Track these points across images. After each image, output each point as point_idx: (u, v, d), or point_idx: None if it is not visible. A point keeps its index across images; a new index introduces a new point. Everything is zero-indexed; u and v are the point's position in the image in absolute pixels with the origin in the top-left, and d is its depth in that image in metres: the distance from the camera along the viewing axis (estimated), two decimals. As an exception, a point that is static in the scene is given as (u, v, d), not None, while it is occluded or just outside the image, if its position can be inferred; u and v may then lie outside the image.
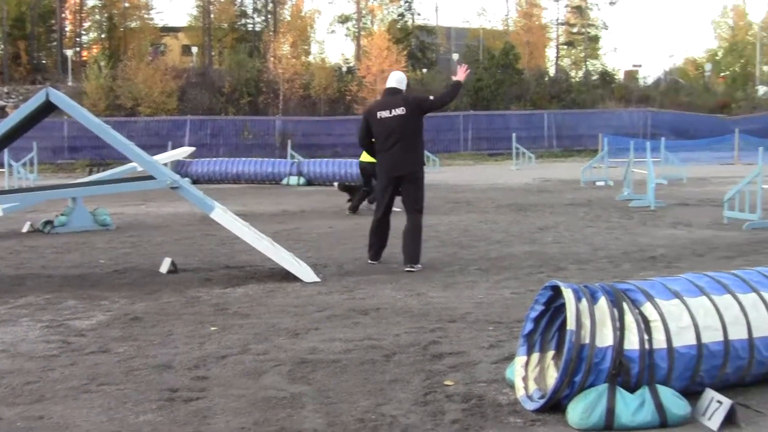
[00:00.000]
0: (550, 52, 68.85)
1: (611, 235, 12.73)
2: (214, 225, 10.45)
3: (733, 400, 4.55)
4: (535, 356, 5.06)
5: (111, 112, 43.97)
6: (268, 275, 9.48)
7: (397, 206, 10.33)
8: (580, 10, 66.19)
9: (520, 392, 4.89)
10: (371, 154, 10.47)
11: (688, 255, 10.70)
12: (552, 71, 65.10)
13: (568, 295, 4.65)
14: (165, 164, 14.45)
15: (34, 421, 4.71)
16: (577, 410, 4.48)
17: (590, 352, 4.50)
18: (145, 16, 60.46)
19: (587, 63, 66.82)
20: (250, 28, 63.30)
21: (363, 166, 16.50)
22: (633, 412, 4.46)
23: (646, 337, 4.58)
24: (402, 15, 64.10)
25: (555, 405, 4.63)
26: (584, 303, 4.63)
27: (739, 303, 4.94)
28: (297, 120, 46.63)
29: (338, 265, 10.21)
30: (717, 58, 70.60)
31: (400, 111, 9.85)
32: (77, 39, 60.13)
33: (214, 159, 29.91)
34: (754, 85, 63.43)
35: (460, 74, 10.19)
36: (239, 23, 62.85)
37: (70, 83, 49.38)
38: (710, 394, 4.60)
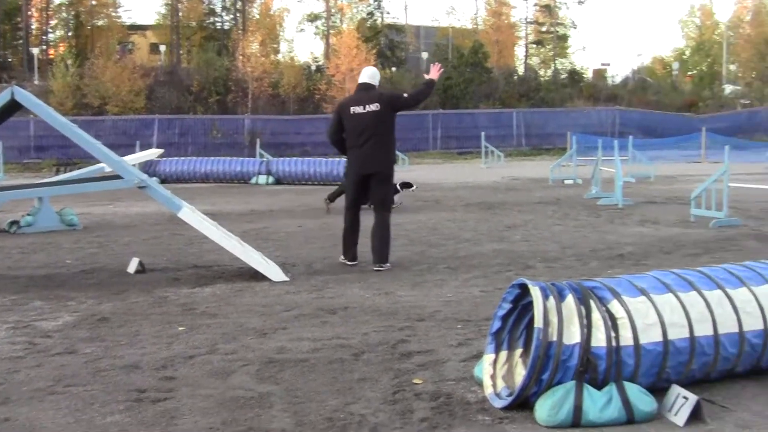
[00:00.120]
0: (519, 51, 69.25)
1: (579, 233, 12.79)
2: (182, 224, 10.40)
3: (699, 395, 4.59)
4: (503, 354, 5.07)
5: (78, 111, 43.65)
6: (236, 275, 9.45)
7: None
8: (548, 9, 66.52)
9: (489, 390, 4.90)
10: (341, 150, 10.22)
11: (655, 252, 10.77)
12: (521, 70, 65.44)
13: (535, 293, 4.66)
14: (134, 165, 14.35)
15: (-1, 423, 4.67)
16: (544, 407, 4.49)
17: (557, 350, 4.52)
18: (113, 14, 60.16)
19: (556, 62, 67.17)
20: (218, 27, 63.12)
21: None
22: (600, 408, 4.48)
23: (613, 334, 4.60)
24: (371, 14, 64.17)
25: (523, 402, 4.64)
26: (551, 301, 4.64)
27: (705, 300, 4.98)
28: (266, 119, 46.53)
29: (307, 264, 10.18)
30: (684, 57, 71.26)
31: (374, 107, 9.71)
32: (44, 37, 59.74)
33: (183, 158, 29.74)
34: (720, 83, 64.03)
35: (434, 72, 10.06)
36: (208, 21, 62.64)
37: (36, 82, 49.03)
38: (676, 390, 4.63)
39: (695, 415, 4.49)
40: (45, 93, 41.60)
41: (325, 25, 64.00)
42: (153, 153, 26.12)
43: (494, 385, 4.92)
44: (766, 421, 4.55)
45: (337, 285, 8.80)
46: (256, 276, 9.11)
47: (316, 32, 66.28)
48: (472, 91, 52.42)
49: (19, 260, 10.90)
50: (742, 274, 5.34)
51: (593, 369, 4.55)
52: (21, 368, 5.73)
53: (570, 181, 24.20)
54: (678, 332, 4.78)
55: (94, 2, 59.24)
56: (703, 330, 4.87)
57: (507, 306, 5.07)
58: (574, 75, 63.40)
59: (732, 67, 68.03)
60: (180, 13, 60.55)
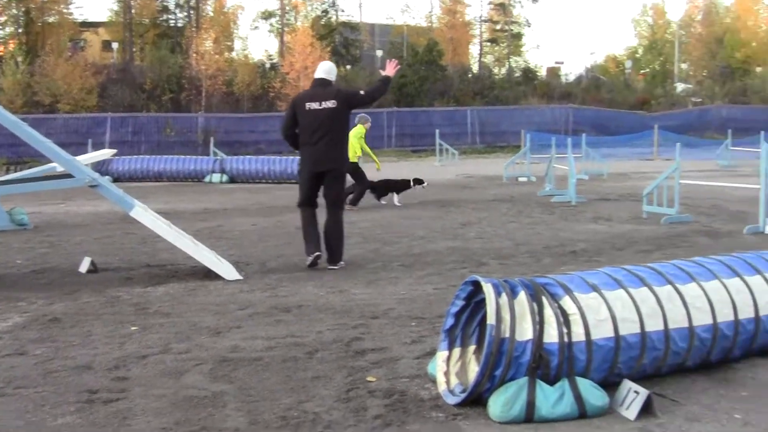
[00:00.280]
0: (474, 49, 69.52)
1: (533, 231, 12.87)
2: (135, 224, 10.30)
3: (650, 390, 4.64)
4: (457, 351, 5.09)
5: (28, 109, 43.10)
6: (189, 274, 9.39)
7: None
8: (503, 8, 66.86)
9: (442, 387, 4.92)
10: (294, 145, 9.99)
11: (607, 249, 10.87)
12: (475, 68, 65.69)
13: (487, 290, 4.68)
14: (86, 165, 14.20)
15: (-53, 425, 4.60)
16: (497, 403, 4.51)
17: (510, 346, 4.54)
18: (64, 10, 59.23)
19: (510, 60, 67.52)
20: (172, 24, 62.57)
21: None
22: (553, 404, 4.51)
23: (565, 330, 4.64)
24: (326, 11, 64.09)
25: (476, 399, 4.65)
26: (504, 298, 4.66)
27: (656, 295, 5.03)
28: (220, 117, 46.31)
29: (261, 263, 10.14)
30: (637, 55, 71.98)
31: (330, 104, 9.57)
32: (-8, 34, 58.82)
33: (136, 156, 29.51)
34: (672, 82, 64.80)
35: (389, 69, 9.93)
36: (161, 19, 62.07)
37: (-15, 79, 48.35)
38: (628, 384, 4.68)
39: (646, 409, 4.54)
40: (-6, 91, 41.09)
41: (280, 22, 63.75)
42: (106, 153, 25.86)
43: (448, 382, 4.93)
44: (715, 414, 4.62)
45: (291, 283, 8.78)
46: (209, 275, 9.06)
47: (270, 30, 66.01)
48: (427, 89, 52.57)
49: (-31, 260, 10.75)
50: (692, 270, 5.41)
51: (546, 365, 4.58)
52: (-30, 370, 5.65)
53: (524, 179, 24.35)
54: (629, 327, 4.82)
55: (44, -2, 58.54)
56: (654, 325, 4.92)
57: (460, 303, 5.08)
58: (529, 73, 63.82)
59: (683, 66, 68.84)
60: (133, 10, 59.97)
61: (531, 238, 12.05)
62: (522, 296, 4.71)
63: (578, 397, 4.55)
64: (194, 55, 50.82)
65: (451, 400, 4.77)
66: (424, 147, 44.80)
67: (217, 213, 16.51)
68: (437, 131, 38.39)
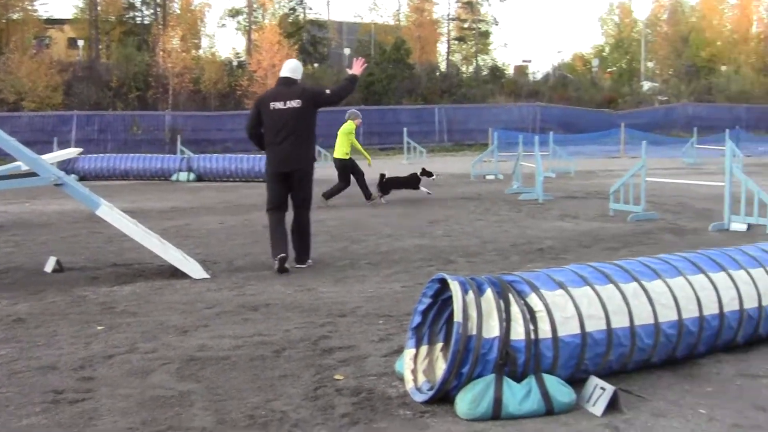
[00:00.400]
0: (442, 47, 69.76)
1: (500, 228, 12.91)
2: (101, 223, 10.23)
3: (616, 386, 4.67)
4: (424, 349, 5.09)
5: (-8, 108, 42.78)
6: (156, 272, 9.33)
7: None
8: (470, 6, 67.10)
9: (410, 384, 4.92)
10: (259, 145, 9.85)
11: (574, 247, 10.92)
12: (443, 66, 65.89)
13: (454, 287, 4.69)
14: (52, 164, 14.08)
15: None
16: (465, 401, 4.53)
17: (477, 344, 4.55)
18: (29, 7, 58.76)
19: (478, 58, 67.79)
20: (138, 21, 62.24)
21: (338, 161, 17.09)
22: (520, 401, 4.53)
23: (531, 327, 4.65)
24: (293, 9, 64.04)
25: (443, 396, 4.66)
26: (471, 295, 4.67)
27: (621, 292, 5.07)
28: (187, 115, 46.13)
29: (228, 262, 10.10)
30: (604, 54, 72.50)
31: (295, 103, 9.41)
32: (-44, 31, 58.21)
33: (102, 155, 29.23)
34: (639, 80, 65.34)
35: (356, 68, 9.85)
36: (127, 16, 61.74)
37: (-52, 77, 47.84)
38: (594, 381, 4.71)
39: (612, 405, 4.57)
40: (-42, 89, 40.66)
41: (247, 20, 63.59)
42: (72, 151, 25.64)
43: (415, 380, 4.94)
44: (680, 410, 4.65)
45: (259, 282, 8.75)
46: (176, 274, 9.02)
47: (237, 28, 65.90)
48: (395, 87, 52.64)
49: (-68, 260, 10.63)
50: (658, 266, 5.45)
51: (512, 362, 4.59)
52: (-67, 371, 5.58)
53: (491, 177, 24.44)
54: (595, 324, 4.85)
55: (8, -5, 57.99)
56: (620, 322, 4.96)
57: (427, 301, 5.09)
58: (496, 71, 64.10)
59: (650, 64, 69.42)
60: (99, 8, 59.57)
61: (498, 235, 12.09)
62: (489, 293, 4.72)
63: (545, 393, 4.57)
64: (161, 52, 50.60)
65: (419, 398, 4.77)
66: (391, 145, 44.81)
67: (184, 211, 16.43)
68: (405, 129, 38.41)
